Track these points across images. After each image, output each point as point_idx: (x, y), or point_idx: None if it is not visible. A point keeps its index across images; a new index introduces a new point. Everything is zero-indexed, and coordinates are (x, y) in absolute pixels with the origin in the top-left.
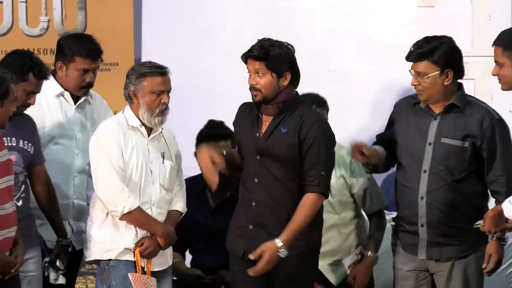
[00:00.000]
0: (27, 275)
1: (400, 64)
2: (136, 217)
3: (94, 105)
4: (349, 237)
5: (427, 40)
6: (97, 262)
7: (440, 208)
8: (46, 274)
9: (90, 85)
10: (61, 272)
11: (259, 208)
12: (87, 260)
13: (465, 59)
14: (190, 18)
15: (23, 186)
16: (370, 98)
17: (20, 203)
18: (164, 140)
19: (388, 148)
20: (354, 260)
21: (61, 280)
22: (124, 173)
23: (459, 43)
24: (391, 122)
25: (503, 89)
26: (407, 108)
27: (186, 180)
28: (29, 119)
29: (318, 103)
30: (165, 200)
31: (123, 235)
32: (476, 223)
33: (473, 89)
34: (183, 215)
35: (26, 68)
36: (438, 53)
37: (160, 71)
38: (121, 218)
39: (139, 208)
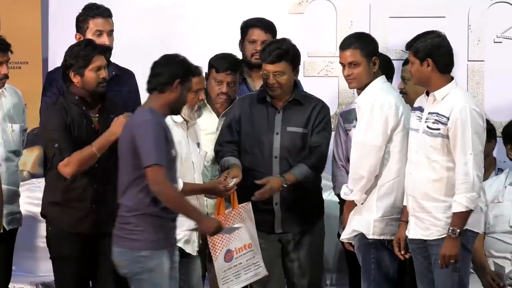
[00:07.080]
0: None
1: None
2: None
3: (9, 97)
4: None
5: (276, 42)
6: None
7: (290, 188)
8: None
9: (6, 76)
10: None
11: None
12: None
13: (330, 59)
14: None
15: None
16: None
17: None
18: (195, 131)
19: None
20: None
21: None
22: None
23: (325, 45)
24: (235, 117)
25: (355, 87)
26: (253, 103)
27: None
28: None
29: None
30: None
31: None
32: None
33: (337, 86)
34: None
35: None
36: (291, 52)
37: (200, 71)
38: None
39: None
